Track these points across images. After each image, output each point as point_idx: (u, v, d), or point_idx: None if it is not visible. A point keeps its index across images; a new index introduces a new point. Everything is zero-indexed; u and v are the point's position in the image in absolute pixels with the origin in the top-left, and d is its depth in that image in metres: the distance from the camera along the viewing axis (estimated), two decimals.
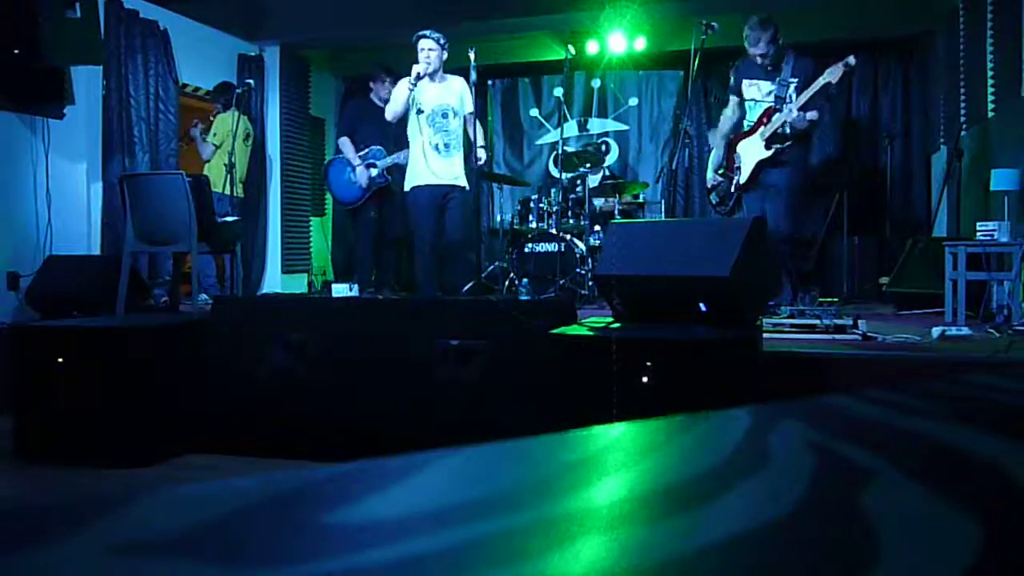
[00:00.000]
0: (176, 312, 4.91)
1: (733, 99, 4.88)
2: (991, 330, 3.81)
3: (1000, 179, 4.67)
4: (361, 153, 5.98)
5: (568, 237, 5.88)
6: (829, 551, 0.44)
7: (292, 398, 3.75)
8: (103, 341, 3.58)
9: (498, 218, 7.16)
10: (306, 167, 8.05)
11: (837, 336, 3.62)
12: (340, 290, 5.13)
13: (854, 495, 0.52)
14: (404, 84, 5.08)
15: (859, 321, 3.70)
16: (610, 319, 3.33)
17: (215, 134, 6.37)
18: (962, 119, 5.97)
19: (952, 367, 3.02)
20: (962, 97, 5.99)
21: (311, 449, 3.52)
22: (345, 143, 6.04)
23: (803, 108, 4.51)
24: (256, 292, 7.20)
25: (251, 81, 6.44)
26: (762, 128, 4.62)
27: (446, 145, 5.12)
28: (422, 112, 5.10)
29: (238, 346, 3.88)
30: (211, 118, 6.52)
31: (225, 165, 5.83)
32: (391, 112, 5.17)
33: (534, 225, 6.41)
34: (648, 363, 2.76)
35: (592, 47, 7.36)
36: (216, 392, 3.84)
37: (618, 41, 7.20)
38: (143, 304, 5.08)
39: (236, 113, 6.16)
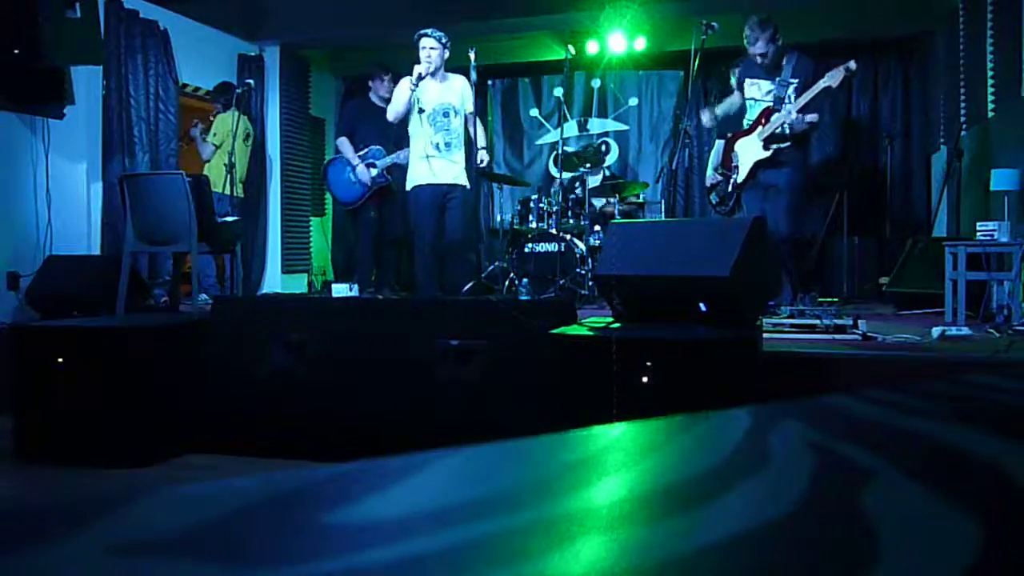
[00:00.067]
0: (176, 312, 4.91)
1: (737, 92, 4.89)
2: (991, 330, 3.81)
3: (1000, 179, 4.67)
4: (360, 153, 5.95)
5: (568, 237, 5.88)
6: (829, 551, 0.44)
7: (292, 398, 3.75)
8: (103, 341, 3.58)
9: (498, 218, 7.15)
10: (306, 167, 8.05)
11: (837, 336, 3.62)
12: (340, 290, 5.13)
13: (854, 495, 0.52)
14: (405, 84, 5.06)
15: (859, 321, 3.70)
16: (610, 319, 3.33)
17: (215, 134, 6.37)
18: (962, 119, 5.97)
19: (952, 367, 3.03)
20: (962, 97, 5.98)
21: (311, 449, 3.52)
22: (344, 143, 6.01)
23: (802, 110, 4.51)
24: (256, 292, 7.20)
25: (251, 81, 6.44)
26: (760, 128, 4.62)
27: (447, 144, 5.10)
28: (423, 111, 5.08)
29: (238, 346, 3.88)
30: (211, 118, 6.52)
31: (225, 165, 5.83)
32: (393, 113, 5.15)
33: (534, 225, 6.40)
34: (648, 363, 2.76)
35: (592, 47, 7.35)
36: (216, 392, 3.84)
37: (618, 41, 7.19)
38: (143, 304, 5.07)
39: (236, 113, 6.16)
